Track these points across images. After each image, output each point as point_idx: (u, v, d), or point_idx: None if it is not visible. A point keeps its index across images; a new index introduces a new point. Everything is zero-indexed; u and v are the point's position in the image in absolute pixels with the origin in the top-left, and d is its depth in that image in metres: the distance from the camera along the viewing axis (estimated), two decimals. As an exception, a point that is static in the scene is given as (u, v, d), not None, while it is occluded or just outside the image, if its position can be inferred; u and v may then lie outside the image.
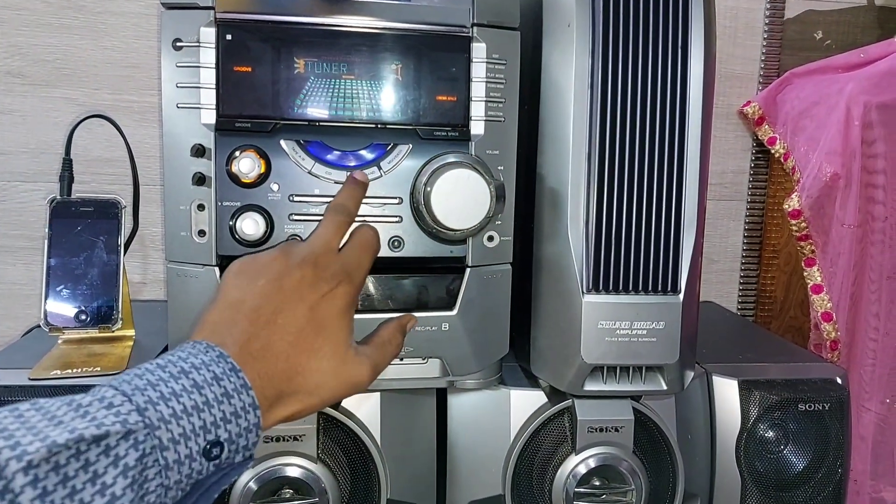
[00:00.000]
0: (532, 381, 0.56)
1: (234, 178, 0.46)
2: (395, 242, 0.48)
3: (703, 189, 0.51)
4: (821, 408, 0.55)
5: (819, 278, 0.81)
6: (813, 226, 0.81)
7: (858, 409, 0.78)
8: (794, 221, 0.81)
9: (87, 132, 0.70)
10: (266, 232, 0.46)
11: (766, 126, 0.88)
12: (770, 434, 0.57)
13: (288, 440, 0.51)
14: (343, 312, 0.39)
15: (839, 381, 0.58)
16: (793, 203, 0.81)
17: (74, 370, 0.52)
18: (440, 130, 0.48)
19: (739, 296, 0.94)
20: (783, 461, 0.57)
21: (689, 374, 0.53)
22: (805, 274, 0.82)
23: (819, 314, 0.80)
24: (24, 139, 0.78)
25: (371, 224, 0.44)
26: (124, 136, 0.72)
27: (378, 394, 0.54)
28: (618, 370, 0.51)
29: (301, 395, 0.37)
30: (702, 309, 0.83)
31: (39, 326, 0.60)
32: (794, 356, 0.64)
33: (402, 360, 0.51)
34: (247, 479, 0.50)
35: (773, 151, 0.87)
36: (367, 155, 0.47)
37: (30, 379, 0.51)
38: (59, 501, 0.27)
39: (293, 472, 0.51)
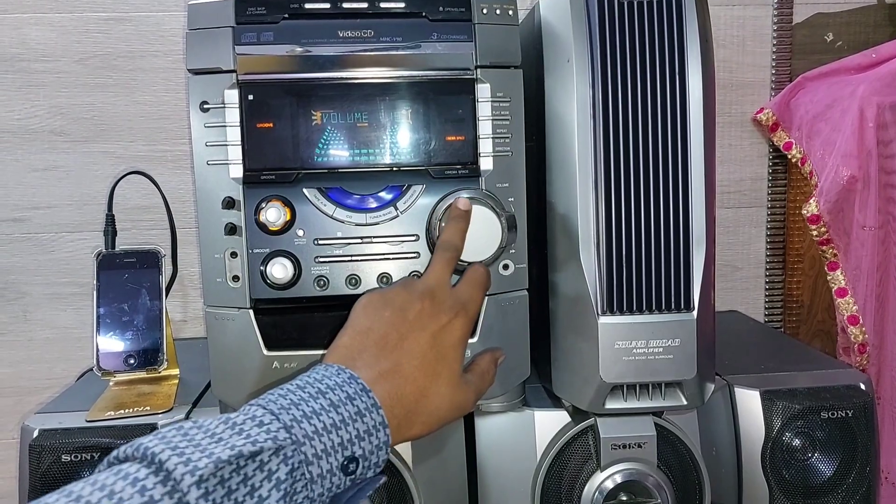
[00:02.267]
0: (555, 402, 0.58)
1: (263, 227, 0.49)
2: (415, 277, 0.51)
3: (711, 204, 0.52)
4: (845, 414, 0.56)
5: (843, 282, 0.80)
6: (833, 229, 0.80)
7: (894, 411, 0.77)
8: (813, 226, 0.81)
9: (125, 183, 0.75)
10: (294, 275, 0.49)
11: (781, 131, 0.88)
12: (796, 443, 0.57)
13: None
14: (459, 342, 0.43)
15: (863, 386, 0.58)
16: (811, 208, 0.81)
17: (127, 410, 0.56)
18: (451, 169, 0.51)
19: (766, 302, 0.94)
20: (810, 469, 0.57)
21: (710, 388, 0.53)
22: (829, 278, 0.82)
23: (845, 318, 0.79)
24: (68, 192, 0.84)
25: (482, 265, 0.48)
26: (160, 190, 0.77)
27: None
28: (637, 388, 0.52)
29: (424, 415, 0.40)
30: (726, 319, 0.83)
31: (92, 370, 0.65)
32: (818, 363, 0.65)
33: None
34: None
35: (789, 156, 0.87)
36: (385, 196, 0.50)
37: (87, 421, 0.55)
38: None
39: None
